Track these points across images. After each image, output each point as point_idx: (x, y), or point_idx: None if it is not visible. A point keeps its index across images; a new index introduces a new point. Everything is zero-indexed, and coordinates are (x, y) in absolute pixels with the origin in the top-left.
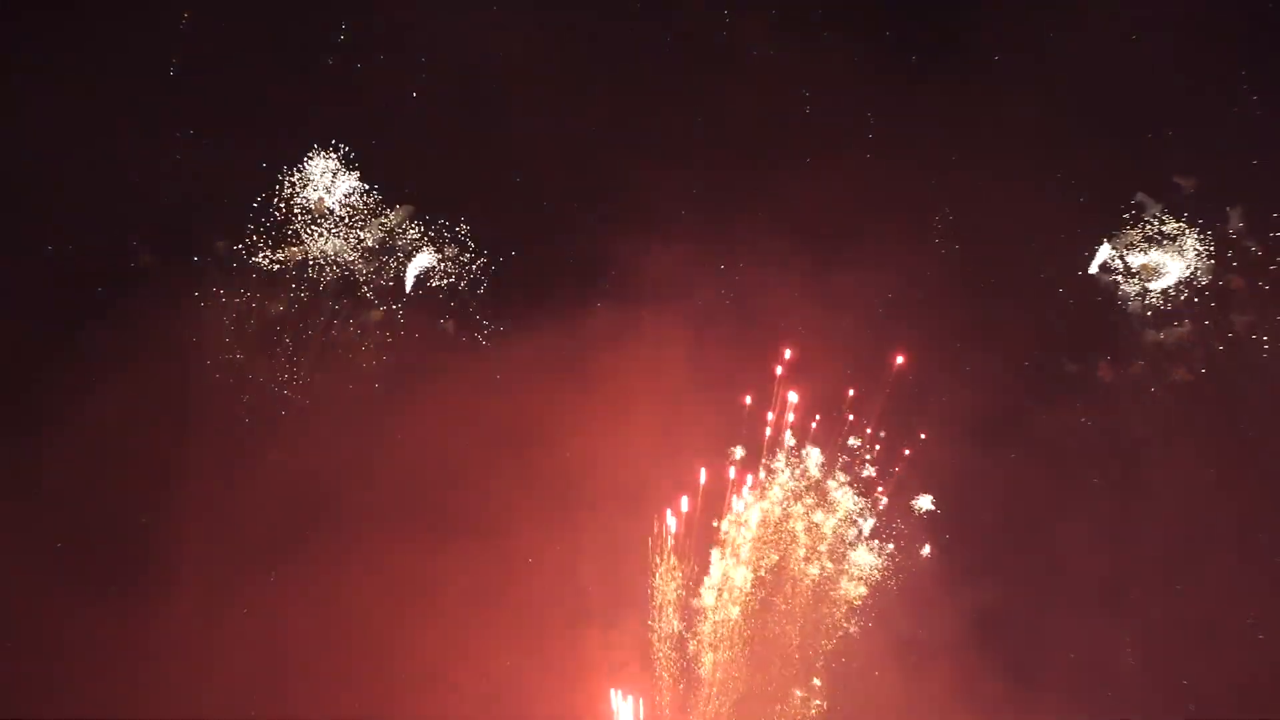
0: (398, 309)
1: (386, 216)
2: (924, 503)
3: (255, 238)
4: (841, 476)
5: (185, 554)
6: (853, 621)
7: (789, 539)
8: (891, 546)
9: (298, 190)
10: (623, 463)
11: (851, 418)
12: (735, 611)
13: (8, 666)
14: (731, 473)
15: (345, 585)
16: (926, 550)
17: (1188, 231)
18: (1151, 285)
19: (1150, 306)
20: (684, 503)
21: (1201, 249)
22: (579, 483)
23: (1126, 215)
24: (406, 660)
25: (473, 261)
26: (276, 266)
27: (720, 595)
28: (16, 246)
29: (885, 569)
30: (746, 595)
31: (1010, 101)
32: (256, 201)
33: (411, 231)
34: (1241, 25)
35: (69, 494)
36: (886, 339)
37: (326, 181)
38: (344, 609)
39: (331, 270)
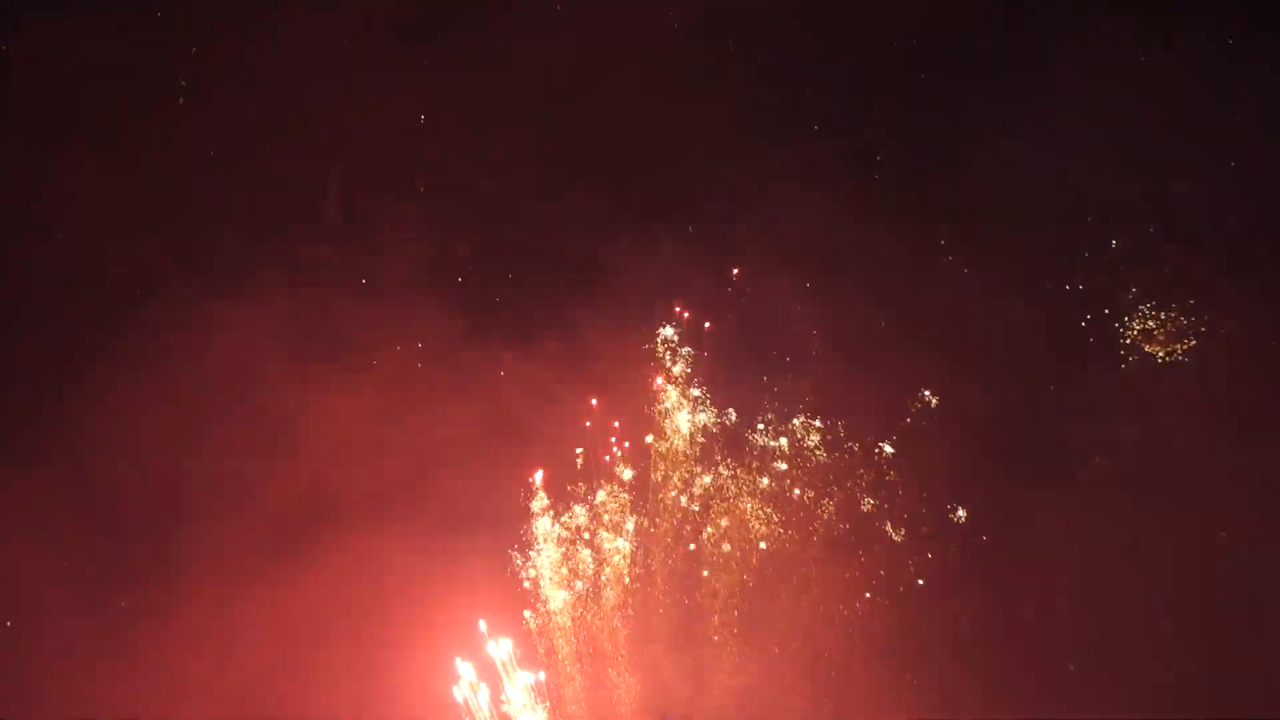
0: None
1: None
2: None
3: (266, 243)
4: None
5: (198, 552)
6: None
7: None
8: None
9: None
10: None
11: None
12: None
13: (32, 660)
14: None
15: (350, 579)
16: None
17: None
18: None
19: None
20: None
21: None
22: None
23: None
24: (410, 652)
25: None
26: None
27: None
28: (33, 256)
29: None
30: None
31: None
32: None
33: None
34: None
35: (89, 494)
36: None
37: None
38: (349, 602)
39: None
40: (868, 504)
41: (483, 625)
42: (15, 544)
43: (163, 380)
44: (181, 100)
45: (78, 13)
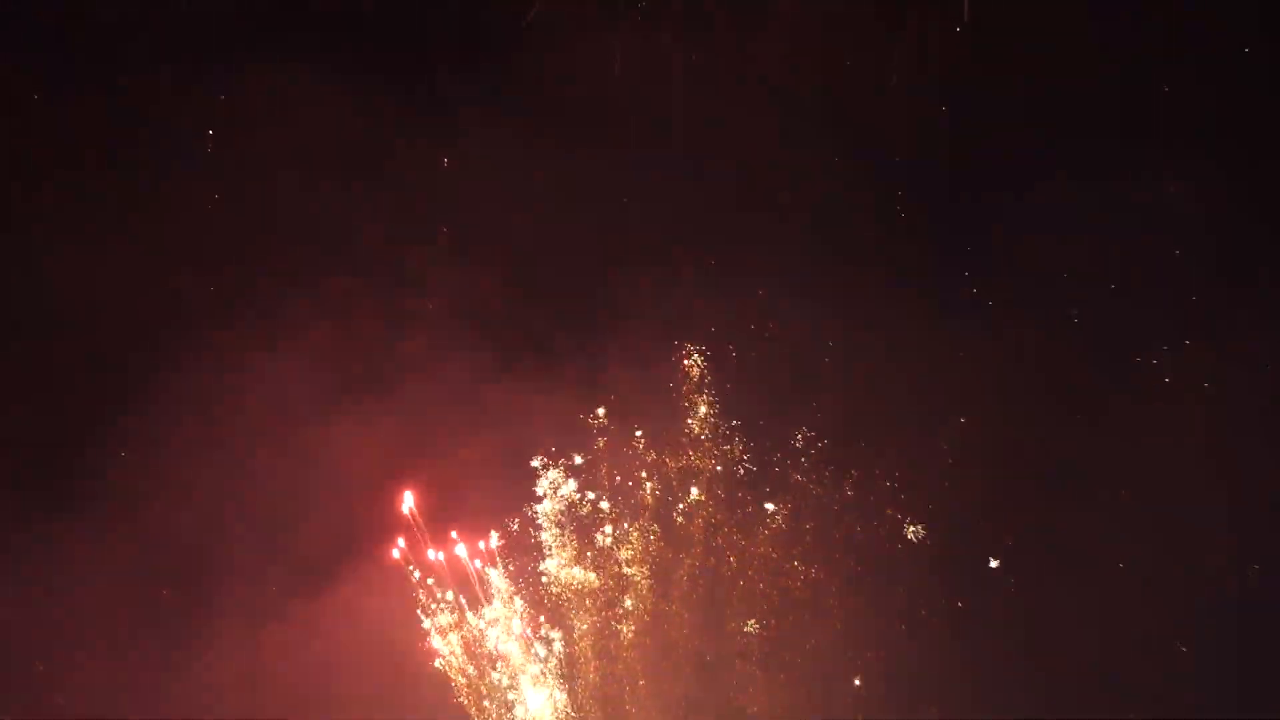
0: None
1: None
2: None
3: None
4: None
5: (236, 576)
6: None
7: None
8: None
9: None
10: None
11: None
12: None
13: (87, 671)
14: None
15: (377, 613)
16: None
17: None
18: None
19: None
20: None
21: None
22: None
23: None
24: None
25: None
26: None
27: None
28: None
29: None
30: None
31: None
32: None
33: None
34: None
35: (118, 533)
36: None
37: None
38: (377, 626)
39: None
40: (892, 538)
41: (454, 534)
42: (43, 585)
43: (195, 419)
44: (209, 149)
45: (109, 57)
